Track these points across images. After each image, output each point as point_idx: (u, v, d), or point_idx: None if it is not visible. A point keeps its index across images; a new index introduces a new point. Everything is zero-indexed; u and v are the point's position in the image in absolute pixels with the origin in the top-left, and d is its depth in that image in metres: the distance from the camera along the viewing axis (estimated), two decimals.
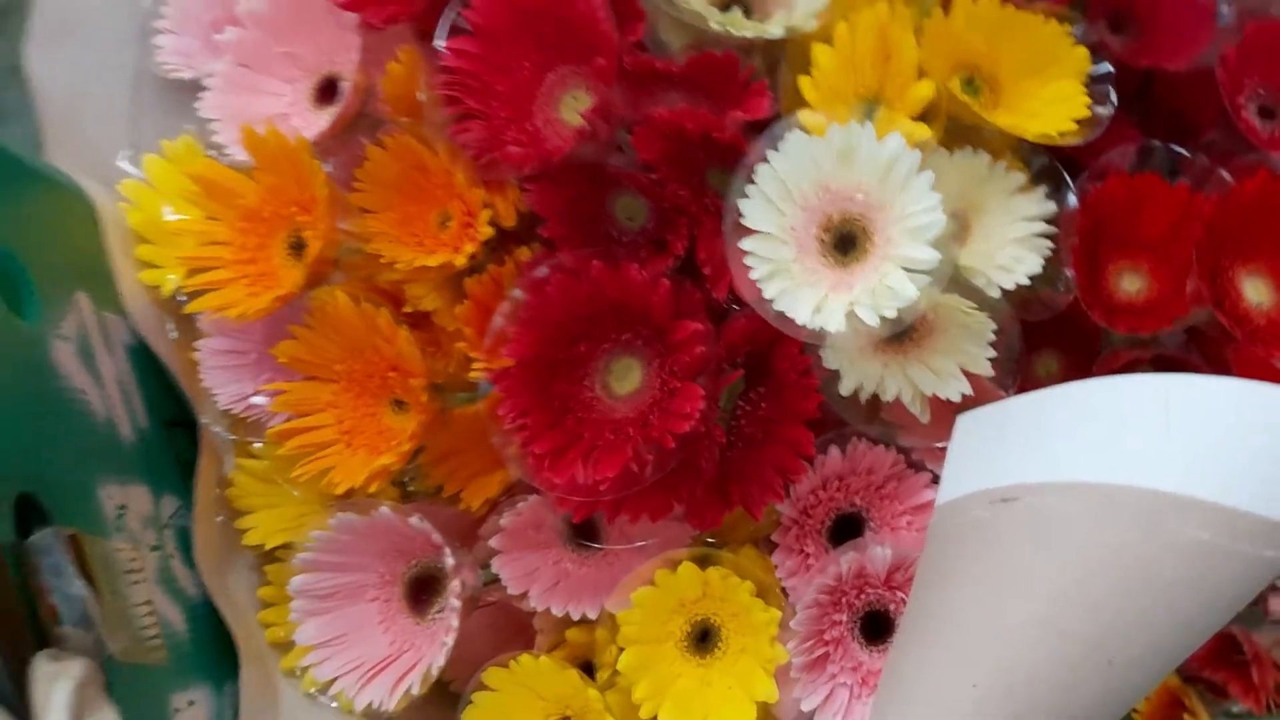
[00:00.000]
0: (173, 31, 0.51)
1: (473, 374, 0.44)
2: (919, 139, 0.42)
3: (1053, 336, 0.49)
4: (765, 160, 0.41)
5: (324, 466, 0.43)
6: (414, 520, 0.42)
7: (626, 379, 0.42)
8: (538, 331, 0.40)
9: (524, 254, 0.47)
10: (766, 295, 0.40)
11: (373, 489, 0.42)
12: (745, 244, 0.40)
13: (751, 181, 0.41)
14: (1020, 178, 0.46)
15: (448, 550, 0.43)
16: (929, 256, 0.39)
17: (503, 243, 0.48)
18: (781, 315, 0.40)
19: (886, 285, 0.40)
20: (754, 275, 0.40)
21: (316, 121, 0.48)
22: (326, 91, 0.49)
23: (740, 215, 0.40)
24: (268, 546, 0.48)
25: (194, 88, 0.50)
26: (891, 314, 0.39)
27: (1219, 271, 0.42)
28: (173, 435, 0.48)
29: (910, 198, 0.40)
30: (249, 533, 0.48)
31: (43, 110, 0.50)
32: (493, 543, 0.45)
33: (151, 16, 0.52)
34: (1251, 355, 0.40)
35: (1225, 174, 0.44)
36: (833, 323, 0.40)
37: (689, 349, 0.39)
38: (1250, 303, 0.42)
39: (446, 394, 0.45)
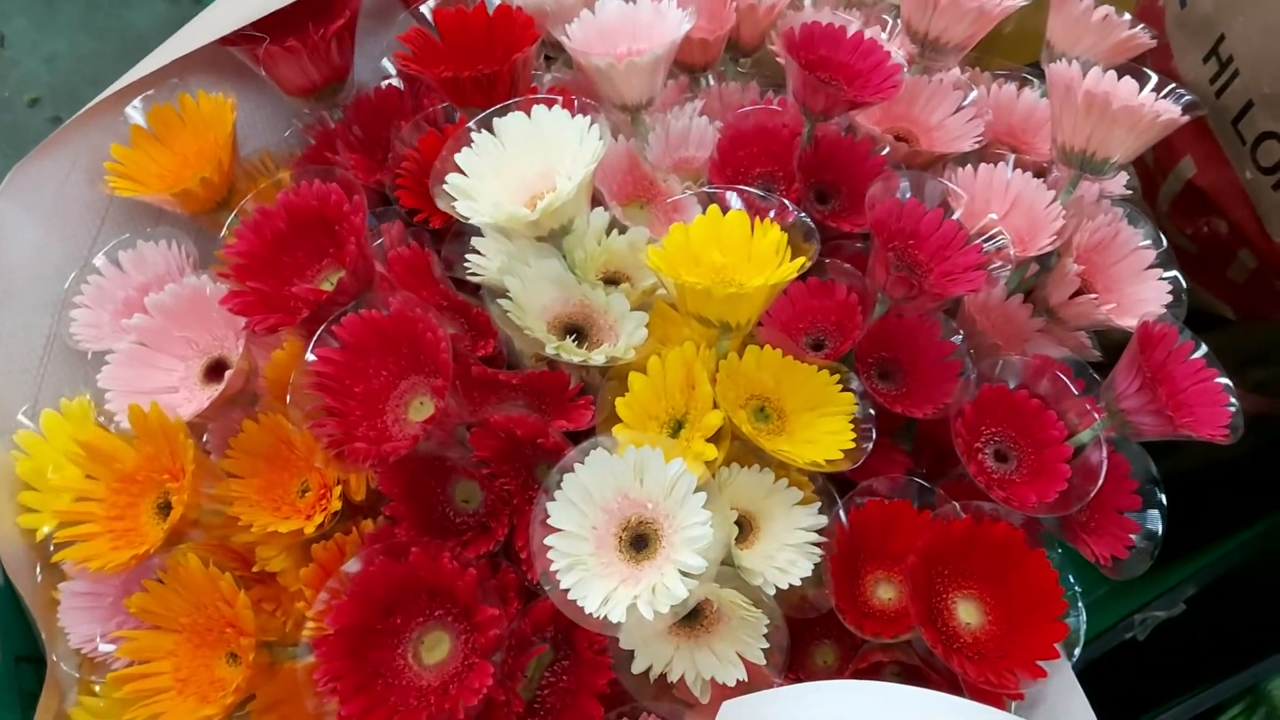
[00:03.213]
0: (87, 306, 0.59)
1: (305, 633, 0.50)
2: (708, 457, 0.51)
3: (831, 629, 0.56)
4: (572, 470, 0.48)
5: (155, 712, 0.47)
6: None
7: (436, 650, 0.48)
8: (358, 604, 0.46)
9: (368, 526, 0.54)
10: (563, 585, 0.47)
11: None
12: (549, 540, 0.47)
13: (559, 486, 0.48)
14: (798, 493, 0.54)
15: None
16: (699, 564, 0.46)
17: (351, 514, 0.55)
18: (572, 603, 0.46)
19: (664, 585, 0.47)
20: (554, 567, 0.47)
21: (200, 396, 0.55)
22: (214, 371, 0.57)
23: (546, 515, 0.48)
24: None
25: (97, 357, 0.57)
26: (664, 610, 0.46)
27: (935, 593, 0.50)
28: (21, 670, 0.52)
29: (687, 512, 0.48)
30: None
31: None
32: None
33: (73, 292, 0.59)
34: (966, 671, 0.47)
35: (956, 506, 0.52)
36: (616, 614, 0.46)
37: (486, 630, 0.46)
38: (961, 622, 0.50)
39: (279, 649, 0.50)
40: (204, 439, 0.57)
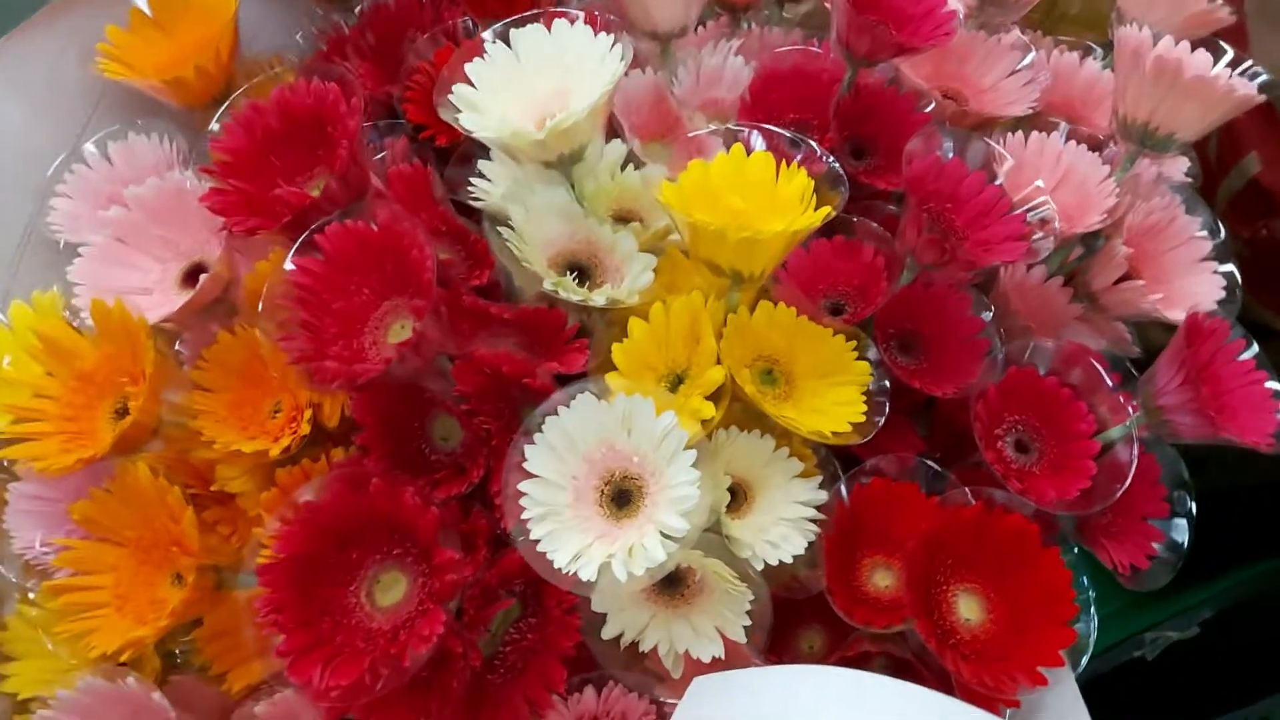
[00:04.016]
0: (68, 196, 0.56)
1: (259, 560, 0.46)
2: (704, 415, 0.47)
3: (819, 614, 0.52)
4: (555, 413, 0.45)
5: (87, 628, 0.44)
6: (155, 696, 0.43)
7: (391, 591, 0.44)
8: (309, 532, 0.43)
9: (338, 454, 0.51)
10: (534, 536, 0.43)
11: (125, 657, 0.43)
12: (523, 485, 0.44)
13: (540, 429, 0.45)
14: (799, 464, 0.50)
15: None
16: (681, 526, 0.43)
17: (323, 441, 0.51)
18: (541, 556, 0.43)
19: (642, 545, 0.43)
20: (525, 515, 0.44)
21: (176, 301, 0.52)
22: (193, 277, 0.53)
23: (524, 459, 0.44)
24: (21, 697, 0.48)
25: (74, 251, 0.54)
26: (639, 573, 0.42)
27: (935, 583, 0.46)
28: None
29: (675, 470, 0.44)
30: (8, 680, 0.49)
31: None
32: None
33: (55, 181, 0.56)
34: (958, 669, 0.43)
35: (966, 492, 0.48)
36: (587, 571, 0.43)
37: (443, 574, 0.42)
38: (960, 618, 0.46)
39: (228, 575, 0.47)
40: (176, 347, 0.53)
